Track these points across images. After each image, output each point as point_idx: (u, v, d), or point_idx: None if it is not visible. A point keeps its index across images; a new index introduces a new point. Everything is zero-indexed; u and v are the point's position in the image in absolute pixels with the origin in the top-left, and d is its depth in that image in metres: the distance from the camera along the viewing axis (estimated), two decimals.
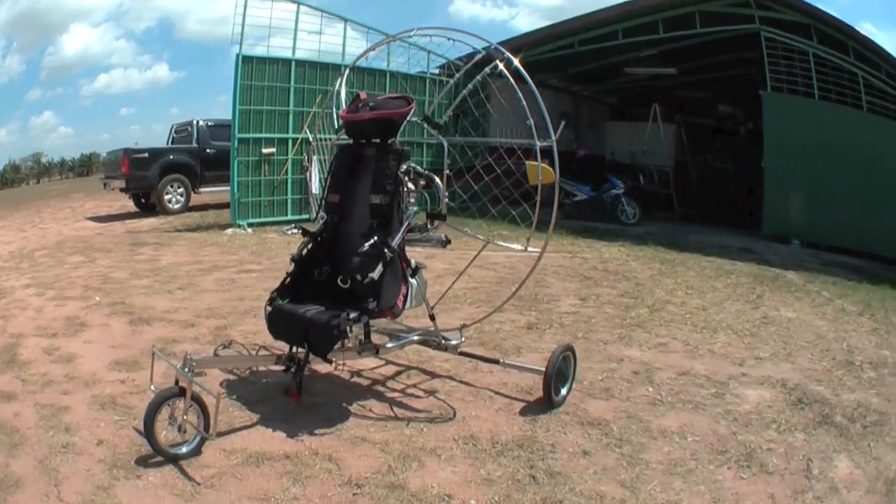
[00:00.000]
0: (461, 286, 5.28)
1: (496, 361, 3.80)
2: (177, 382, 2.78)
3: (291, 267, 3.42)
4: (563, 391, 3.55)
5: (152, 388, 3.00)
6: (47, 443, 2.93)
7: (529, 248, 3.52)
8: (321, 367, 3.69)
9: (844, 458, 3.02)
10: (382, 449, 2.94)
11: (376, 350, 3.35)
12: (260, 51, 10.27)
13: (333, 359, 3.19)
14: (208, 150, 12.79)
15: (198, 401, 2.78)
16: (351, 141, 3.60)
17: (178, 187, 12.57)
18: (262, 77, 10.11)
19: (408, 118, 3.39)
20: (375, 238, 3.18)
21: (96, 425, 3.10)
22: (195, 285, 5.89)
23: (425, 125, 3.48)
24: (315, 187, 11.33)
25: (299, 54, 10.51)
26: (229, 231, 9.65)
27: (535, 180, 3.54)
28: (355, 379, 3.81)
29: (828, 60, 10.38)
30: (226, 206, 11.58)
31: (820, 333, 5.05)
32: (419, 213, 3.41)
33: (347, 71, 4.13)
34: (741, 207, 12.85)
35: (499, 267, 6.97)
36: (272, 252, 7.62)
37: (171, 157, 12.54)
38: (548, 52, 12.80)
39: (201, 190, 12.81)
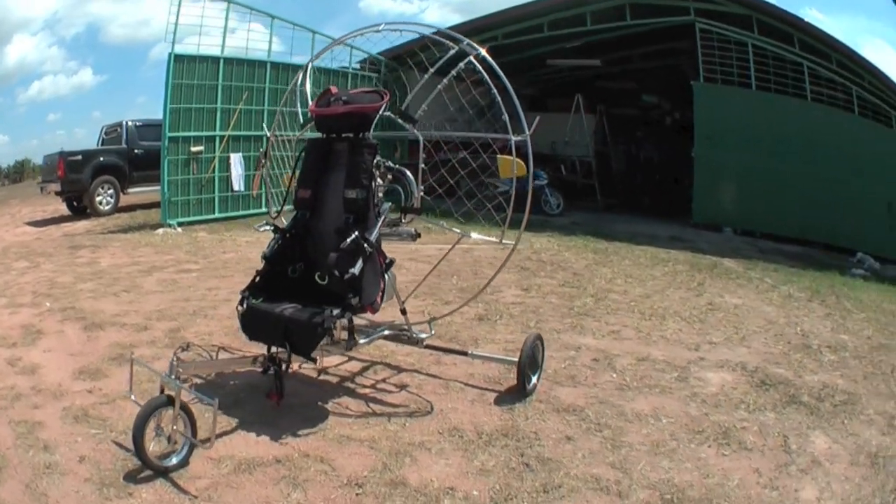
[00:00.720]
0: (402, 280, 5.26)
1: (465, 353, 3.77)
2: (162, 391, 2.65)
3: (262, 265, 3.30)
4: (534, 379, 3.60)
5: (132, 397, 2.85)
6: (29, 463, 2.76)
7: (504, 241, 3.57)
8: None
9: (820, 435, 3.19)
10: (371, 447, 2.91)
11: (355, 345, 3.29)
12: (184, 49, 10.05)
13: (318, 357, 3.12)
14: (136, 151, 12.56)
15: (185, 409, 2.66)
16: (320, 136, 3.52)
17: (108, 189, 12.26)
18: (192, 75, 10.05)
19: (380, 112, 3.35)
20: (356, 233, 3.13)
21: (74, 440, 2.94)
22: (139, 287, 5.74)
23: (399, 119, 3.44)
24: (237, 184, 10.98)
25: (226, 52, 10.48)
26: (160, 231, 9.50)
27: (508, 174, 3.58)
28: (323, 377, 3.74)
29: (769, 51, 10.62)
30: (152, 206, 11.41)
31: (770, 319, 5.28)
32: (393, 208, 3.39)
33: (310, 67, 4.03)
34: (666, 196, 13.18)
35: (433, 259, 6.97)
36: (206, 251, 7.48)
37: (102, 158, 12.28)
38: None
39: (129, 190, 12.55)
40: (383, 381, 3.69)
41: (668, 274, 6.86)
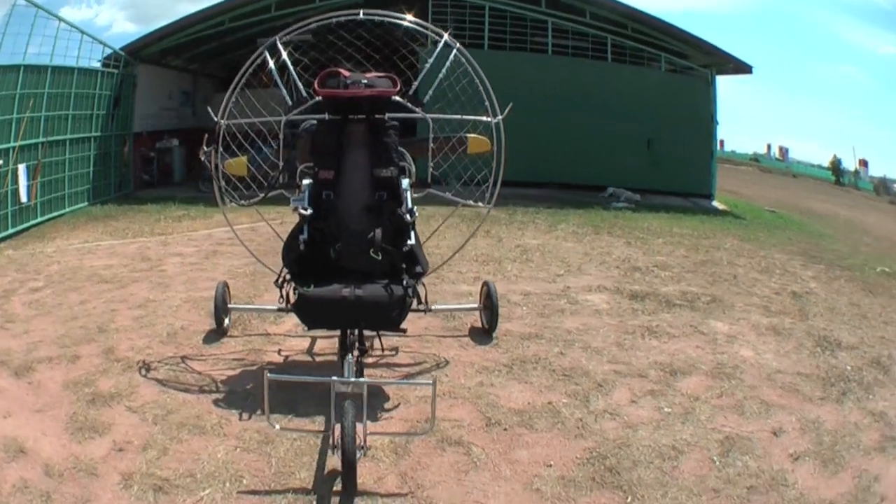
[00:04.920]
0: None
1: (429, 309, 3.90)
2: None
3: (298, 250, 3.22)
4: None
5: (275, 426, 2.72)
6: None
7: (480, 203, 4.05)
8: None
9: (716, 322, 4.55)
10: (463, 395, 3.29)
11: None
12: None
13: (406, 328, 3.25)
14: None
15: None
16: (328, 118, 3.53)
17: None
18: None
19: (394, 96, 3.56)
20: (407, 206, 3.34)
21: None
22: (11, 313, 4.55)
23: (408, 104, 3.66)
24: (24, 196, 8.75)
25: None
26: None
27: (475, 150, 4.09)
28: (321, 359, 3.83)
29: (508, 12, 11.71)
30: None
31: (581, 251, 6.68)
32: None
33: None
34: None
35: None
36: (31, 267, 5.96)
37: None
38: (194, 33, 12.27)
39: None
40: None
41: (450, 227, 6.64)
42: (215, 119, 3.78)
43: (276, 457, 2.68)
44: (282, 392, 3.14)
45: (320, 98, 3.56)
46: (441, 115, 3.84)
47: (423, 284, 3.33)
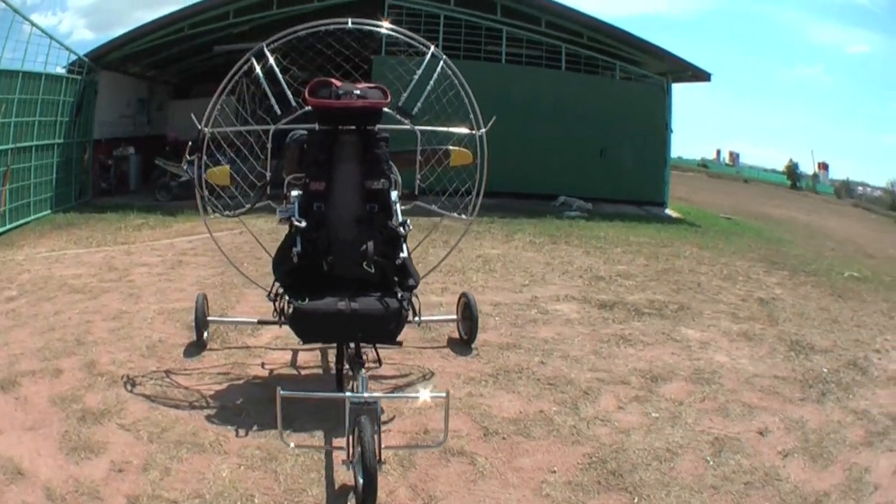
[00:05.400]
0: None
1: (421, 321, 3.91)
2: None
3: (290, 263, 3.19)
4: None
5: (290, 445, 2.68)
6: None
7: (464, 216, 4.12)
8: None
9: (686, 329, 4.71)
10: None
11: None
12: None
13: (402, 341, 3.25)
14: None
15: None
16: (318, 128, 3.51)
17: None
18: None
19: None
20: (398, 218, 3.36)
21: None
22: None
23: (397, 115, 3.68)
24: None
25: None
26: None
27: (458, 162, 4.15)
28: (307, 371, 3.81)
29: (463, 20, 11.74)
30: None
31: (542, 262, 6.77)
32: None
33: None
34: None
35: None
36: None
37: None
38: (155, 39, 12.21)
39: None
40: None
41: (412, 237, 7.11)
42: (199, 127, 3.69)
43: (283, 473, 2.64)
44: (247, 403, 3.15)
45: (309, 108, 3.54)
46: (429, 128, 3.86)
47: (417, 297, 3.34)
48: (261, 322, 4.04)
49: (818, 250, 10.28)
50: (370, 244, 3.32)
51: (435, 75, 3.88)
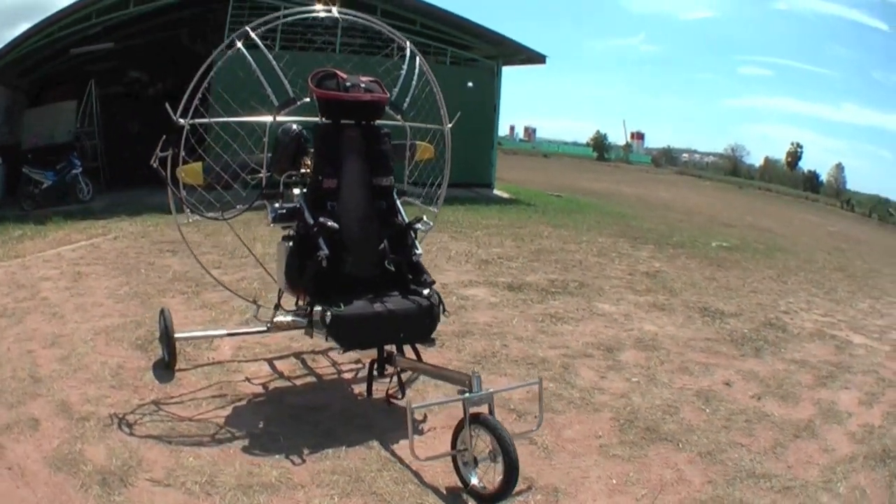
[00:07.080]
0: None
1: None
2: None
3: (316, 267, 3.04)
4: None
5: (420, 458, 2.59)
6: None
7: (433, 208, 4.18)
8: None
9: (599, 303, 5.24)
10: None
11: None
12: None
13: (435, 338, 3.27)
14: None
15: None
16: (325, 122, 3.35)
17: None
18: None
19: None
20: (403, 216, 3.42)
21: None
22: None
23: (389, 110, 3.61)
24: None
25: None
26: None
27: (422, 156, 4.23)
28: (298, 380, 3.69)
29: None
30: None
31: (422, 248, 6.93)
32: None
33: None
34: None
35: None
36: None
37: None
38: (27, 46, 11.72)
39: None
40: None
41: None
42: (174, 118, 3.24)
43: (385, 491, 2.55)
44: (270, 425, 3.03)
45: (308, 99, 3.34)
46: (417, 124, 3.88)
47: (438, 293, 3.39)
48: (233, 334, 3.75)
49: (668, 223, 11.06)
50: (385, 242, 3.30)
51: (416, 71, 3.87)
